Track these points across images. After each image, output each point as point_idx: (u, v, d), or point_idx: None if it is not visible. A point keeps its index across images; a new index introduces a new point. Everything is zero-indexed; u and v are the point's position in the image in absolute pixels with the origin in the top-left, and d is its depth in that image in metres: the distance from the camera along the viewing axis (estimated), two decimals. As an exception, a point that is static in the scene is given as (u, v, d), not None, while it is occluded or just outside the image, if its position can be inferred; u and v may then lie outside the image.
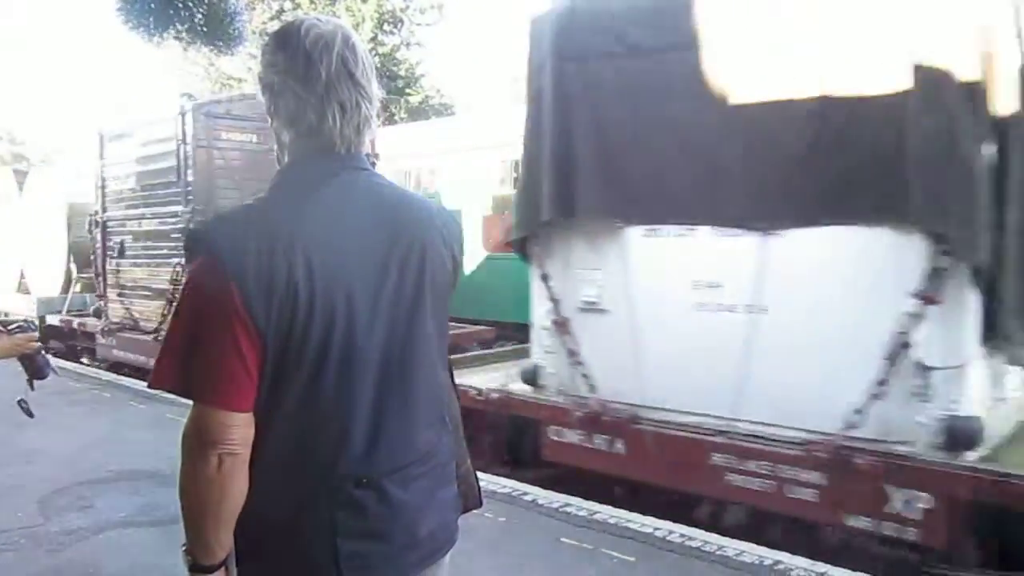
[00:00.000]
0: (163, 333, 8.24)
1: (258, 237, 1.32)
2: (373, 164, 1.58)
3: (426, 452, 1.51)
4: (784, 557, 3.92)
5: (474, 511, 1.75)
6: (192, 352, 1.32)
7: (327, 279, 1.34)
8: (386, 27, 22.29)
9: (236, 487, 1.35)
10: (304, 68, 1.41)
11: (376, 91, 1.48)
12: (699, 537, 4.18)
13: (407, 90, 22.14)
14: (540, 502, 4.73)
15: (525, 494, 4.85)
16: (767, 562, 3.87)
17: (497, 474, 5.32)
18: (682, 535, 4.21)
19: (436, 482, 1.55)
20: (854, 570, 3.77)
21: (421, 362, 1.49)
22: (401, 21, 22.56)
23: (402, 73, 22.29)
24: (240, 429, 1.33)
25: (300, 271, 1.32)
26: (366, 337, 1.39)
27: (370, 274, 1.41)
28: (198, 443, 1.32)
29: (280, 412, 1.37)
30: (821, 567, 3.82)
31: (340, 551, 1.39)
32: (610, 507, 4.63)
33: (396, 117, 20.46)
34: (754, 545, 4.08)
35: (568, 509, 4.59)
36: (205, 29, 3.13)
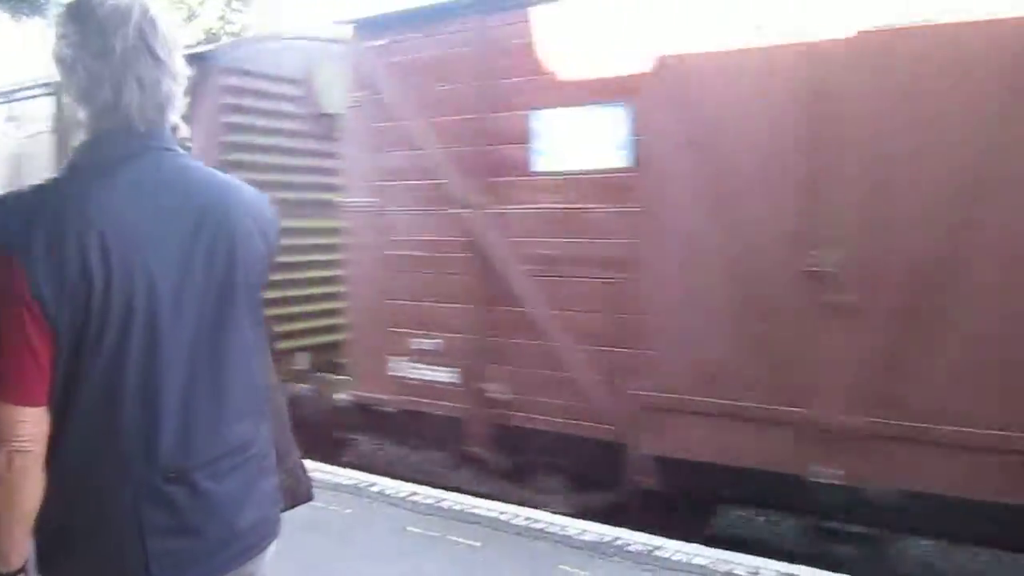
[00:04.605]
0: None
1: (48, 220, 1.24)
2: (188, 148, 1.51)
3: (240, 444, 1.47)
4: (623, 533, 4.09)
5: (315, 503, 1.74)
6: None
7: (125, 266, 1.28)
8: (235, 4, 21.38)
9: (29, 487, 1.27)
10: (98, 41, 1.33)
11: (182, 68, 1.41)
12: (543, 519, 4.30)
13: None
14: (387, 492, 4.69)
15: (372, 485, 4.79)
16: (607, 538, 4.03)
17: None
18: (527, 518, 4.31)
19: (253, 474, 1.50)
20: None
21: (234, 352, 1.45)
22: (251, -1, 21.71)
23: (252, 54, 21.47)
24: (31, 425, 1.25)
25: (94, 257, 1.24)
26: (171, 326, 1.34)
27: (173, 261, 1.35)
28: None
29: (78, 406, 1.30)
30: (657, 540, 4.01)
31: (150, 550, 1.34)
32: (456, 493, 4.68)
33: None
34: (595, 524, 4.23)
35: (415, 498, 4.59)
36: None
